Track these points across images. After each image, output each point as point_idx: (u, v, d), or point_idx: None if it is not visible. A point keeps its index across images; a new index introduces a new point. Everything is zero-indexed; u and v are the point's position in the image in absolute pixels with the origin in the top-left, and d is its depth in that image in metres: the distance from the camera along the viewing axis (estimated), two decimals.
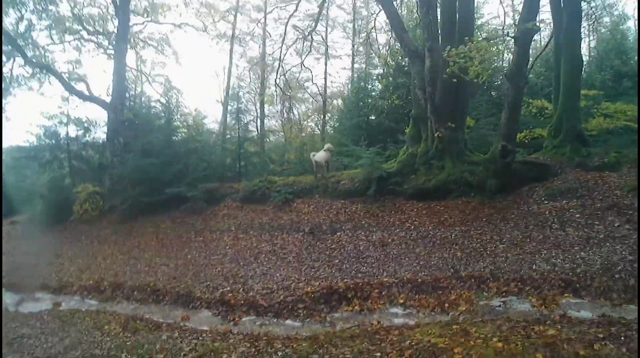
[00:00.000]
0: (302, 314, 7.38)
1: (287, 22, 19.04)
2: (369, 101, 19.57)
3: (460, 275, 7.90)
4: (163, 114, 17.13)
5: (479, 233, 9.43)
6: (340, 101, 26.15)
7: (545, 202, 9.97)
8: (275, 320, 7.42)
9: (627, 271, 6.95)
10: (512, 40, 10.41)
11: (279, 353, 5.37)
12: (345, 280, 8.15)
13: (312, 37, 18.03)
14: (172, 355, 5.72)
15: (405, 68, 17.87)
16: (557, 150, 11.47)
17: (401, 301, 7.39)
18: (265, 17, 26.45)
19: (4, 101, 20.04)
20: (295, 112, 29.52)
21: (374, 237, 10.24)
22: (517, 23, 10.33)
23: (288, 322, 7.29)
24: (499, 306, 6.95)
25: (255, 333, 6.48)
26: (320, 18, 19.77)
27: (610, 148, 11.31)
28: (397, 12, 13.63)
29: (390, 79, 19.42)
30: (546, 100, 14.08)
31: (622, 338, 4.88)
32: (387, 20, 14.91)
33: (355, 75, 25.29)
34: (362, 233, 10.57)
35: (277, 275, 9.01)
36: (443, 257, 8.73)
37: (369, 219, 11.17)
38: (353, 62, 27.74)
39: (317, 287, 7.92)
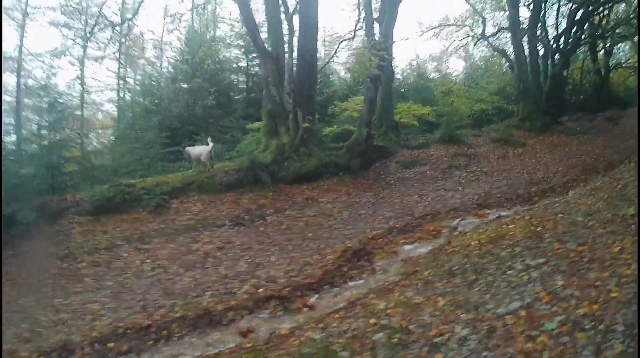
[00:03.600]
0: None
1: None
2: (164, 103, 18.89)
3: (419, 216, 10.26)
4: None
5: (386, 194, 12.03)
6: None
7: (404, 170, 13.58)
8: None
9: (501, 192, 11.31)
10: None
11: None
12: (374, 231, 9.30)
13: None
14: None
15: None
16: (383, 137, 15.11)
17: (418, 236, 9.09)
18: None
19: None
20: None
21: (311, 212, 10.91)
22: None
23: None
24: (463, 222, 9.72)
25: None
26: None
27: (411, 134, 15.92)
28: (252, 15, 14.27)
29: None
30: None
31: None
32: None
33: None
34: (294, 213, 10.95)
35: (279, 260, 8.37)
36: (393, 210, 10.73)
37: (281, 203, 11.55)
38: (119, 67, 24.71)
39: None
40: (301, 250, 8.82)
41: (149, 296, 7.51)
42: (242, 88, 22.08)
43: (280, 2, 14.52)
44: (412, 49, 65.36)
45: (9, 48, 20.55)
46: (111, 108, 26.64)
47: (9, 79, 20.46)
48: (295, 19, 14.30)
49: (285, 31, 14.72)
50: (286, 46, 14.18)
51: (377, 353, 4.12)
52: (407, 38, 22.45)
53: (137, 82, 23.41)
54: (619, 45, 25.59)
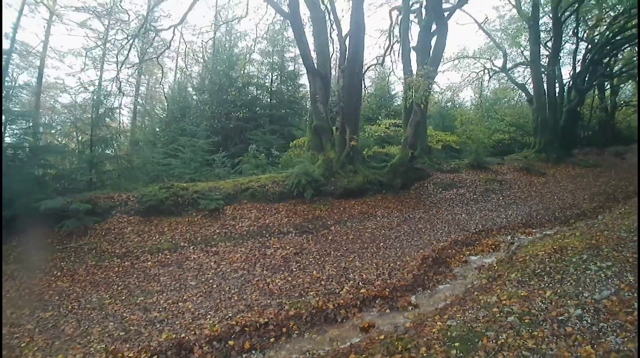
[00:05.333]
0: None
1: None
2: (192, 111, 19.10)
3: (474, 232, 10.92)
4: None
5: (435, 212, 12.56)
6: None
7: (443, 192, 14.13)
8: None
9: (540, 214, 12.26)
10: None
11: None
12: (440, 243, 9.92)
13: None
14: None
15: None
16: (417, 160, 15.66)
17: (479, 249, 9.86)
18: None
19: None
20: None
21: (371, 224, 11.29)
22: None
23: None
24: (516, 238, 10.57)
25: None
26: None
27: (442, 159, 16.58)
28: (305, 37, 14.72)
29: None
30: None
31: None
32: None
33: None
34: (355, 225, 11.30)
35: (364, 266, 8.71)
36: (449, 226, 11.34)
37: (338, 215, 11.89)
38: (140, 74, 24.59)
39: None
40: (381, 257, 9.15)
41: (247, 296, 7.62)
42: (265, 104, 22.39)
43: (330, 25, 15.12)
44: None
45: (33, 43, 20.33)
46: (120, 113, 26.37)
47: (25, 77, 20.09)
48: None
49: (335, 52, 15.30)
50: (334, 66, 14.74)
51: (520, 330, 4.92)
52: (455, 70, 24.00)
53: (156, 91, 23.29)
54: (623, 85, 27.55)
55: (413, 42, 17.99)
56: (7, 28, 17.22)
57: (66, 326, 6.74)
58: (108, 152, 12.96)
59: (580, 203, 13.50)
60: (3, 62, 12.26)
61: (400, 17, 18.75)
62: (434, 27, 16.46)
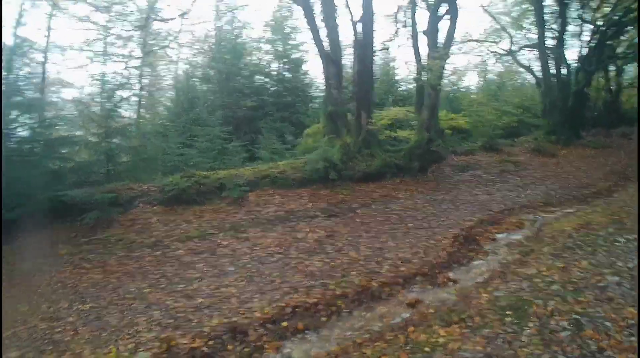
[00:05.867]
0: None
1: None
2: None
3: (497, 211, 11.11)
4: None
5: (457, 193, 12.68)
6: None
7: (460, 173, 14.26)
8: None
9: (558, 194, 12.53)
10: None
11: None
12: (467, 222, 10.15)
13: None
14: None
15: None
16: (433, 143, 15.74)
17: (504, 227, 9.93)
18: None
19: None
20: None
21: (396, 207, 11.40)
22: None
23: None
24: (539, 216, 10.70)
25: None
26: None
27: (454, 142, 16.67)
28: (316, 24, 14.62)
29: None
30: None
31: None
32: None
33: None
34: (381, 208, 11.38)
35: (398, 245, 8.86)
36: (472, 206, 11.54)
37: (361, 199, 11.96)
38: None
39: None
40: (413, 237, 9.31)
41: (289, 278, 7.68)
42: (272, 92, 22.32)
43: (336, 11, 15.06)
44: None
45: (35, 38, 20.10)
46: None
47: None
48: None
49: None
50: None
51: (565, 296, 5.17)
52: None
53: (159, 82, 23.24)
54: (625, 67, 27.61)
55: (419, 27, 17.98)
56: (9, 23, 16.99)
57: (109, 317, 6.65)
58: (123, 143, 12.88)
59: (596, 182, 13.80)
60: (5, 58, 12.05)
61: (406, 1, 18.68)
62: (441, 10, 16.43)
